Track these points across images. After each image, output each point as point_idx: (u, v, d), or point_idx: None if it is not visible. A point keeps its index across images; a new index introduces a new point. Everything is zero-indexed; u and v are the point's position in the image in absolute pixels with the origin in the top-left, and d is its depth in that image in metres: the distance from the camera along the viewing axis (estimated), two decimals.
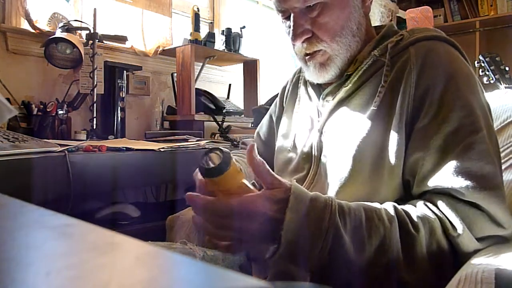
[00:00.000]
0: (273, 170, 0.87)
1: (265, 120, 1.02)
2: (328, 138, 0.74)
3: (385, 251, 0.54)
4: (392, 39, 0.71)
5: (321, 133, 0.76)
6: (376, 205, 0.59)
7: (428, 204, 0.60)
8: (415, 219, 0.57)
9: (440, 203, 0.59)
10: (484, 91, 0.69)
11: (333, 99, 0.75)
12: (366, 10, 0.75)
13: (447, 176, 0.59)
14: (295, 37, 0.71)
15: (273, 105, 1.01)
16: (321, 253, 0.53)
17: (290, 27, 0.72)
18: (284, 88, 0.97)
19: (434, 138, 0.61)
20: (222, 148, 0.54)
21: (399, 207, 0.59)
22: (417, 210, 0.59)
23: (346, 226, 0.54)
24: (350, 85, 0.72)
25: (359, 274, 0.54)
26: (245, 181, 0.56)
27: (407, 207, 0.60)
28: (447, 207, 0.58)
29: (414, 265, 0.55)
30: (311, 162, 0.76)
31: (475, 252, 0.57)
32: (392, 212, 0.58)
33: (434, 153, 0.61)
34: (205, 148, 1.37)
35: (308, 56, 0.74)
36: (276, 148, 0.90)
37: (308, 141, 0.79)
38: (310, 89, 0.83)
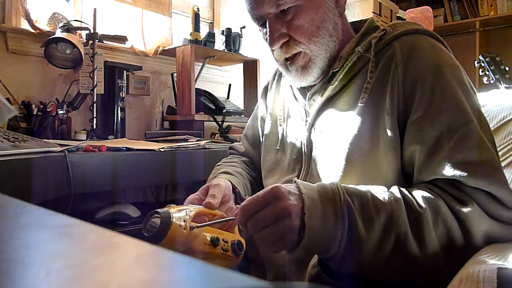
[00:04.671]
0: (261, 171, 0.88)
1: (250, 123, 1.02)
2: (318, 138, 0.74)
3: (393, 227, 0.55)
4: (375, 34, 0.71)
5: (310, 132, 0.76)
6: (381, 187, 0.60)
7: (430, 186, 0.61)
8: (419, 198, 0.58)
9: (442, 185, 0.60)
10: (469, 79, 0.69)
11: (320, 97, 0.74)
12: (341, 10, 0.75)
13: (446, 167, 0.60)
14: (272, 41, 0.71)
15: (256, 106, 1.01)
16: (342, 237, 0.54)
17: (267, 34, 0.72)
18: (266, 87, 0.96)
19: (428, 130, 0.62)
20: (160, 210, 0.55)
21: (403, 189, 0.60)
22: (420, 191, 0.60)
23: (355, 205, 0.55)
24: (336, 83, 0.72)
25: (371, 253, 0.55)
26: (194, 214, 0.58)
27: (411, 189, 0.61)
28: (451, 187, 0.59)
29: (424, 243, 0.55)
30: (302, 162, 0.76)
31: (488, 234, 0.57)
32: (397, 192, 0.59)
33: (430, 145, 0.62)
34: (202, 145, 1.37)
35: (289, 61, 0.74)
36: (262, 148, 0.89)
37: (297, 141, 0.79)
38: (295, 90, 0.82)
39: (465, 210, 0.57)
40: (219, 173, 0.85)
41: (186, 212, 0.58)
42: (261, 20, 0.73)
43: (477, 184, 0.58)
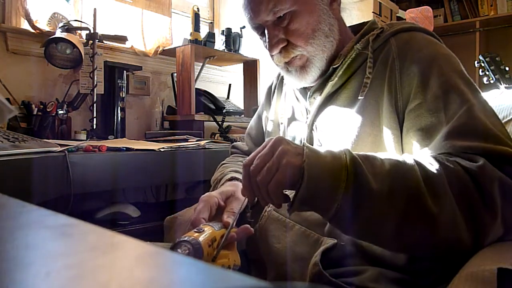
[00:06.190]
0: None
1: (253, 121, 1.04)
2: (320, 134, 0.76)
3: (403, 178, 0.53)
4: (373, 32, 0.73)
5: (311, 129, 0.77)
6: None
7: (435, 154, 0.59)
8: (428, 158, 0.57)
9: (447, 154, 0.58)
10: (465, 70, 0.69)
11: (320, 95, 0.76)
12: (335, 12, 0.78)
13: (445, 145, 0.58)
14: (271, 47, 0.74)
15: (260, 105, 1.03)
16: (346, 189, 0.52)
17: (266, 41, 0.75)
18: (270, 87, 0.99)
19: (426, 116, 0.62)
20: (189, 240, 0.54)
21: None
22: (428, 155, 0.58)
23: (361, 159, 0.54)
24: (336, 79, 0.74)
25: (382, 208, 0.52)
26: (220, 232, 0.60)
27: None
28: (456, 154, 0.57)
29: (438, 197, 0.52)
30: None
31: (503, 190, 0.53)
32: (404, 154, 0.58)
33: (428, 130, 0.62)
34: (202, 145, 1.36)
35: (288, 63, 0.76)
36: None
37: (297, 140, 0.80)
38: (296, 91, 0.84)
39: (475, 166, 0.54)
40: (229, 170, 0.86)
41: (212, 242, 0.58)
42: (260, 29, 0.76)
43: (481, 149, 0.56)
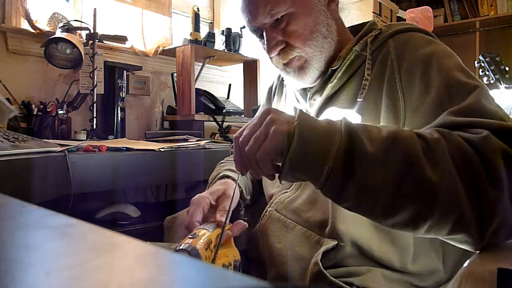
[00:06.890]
0: None
1: None
2: None
3: (401, 144, 0.50)
4: (371, 34, 0.73)
5: None
6: None
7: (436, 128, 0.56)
8: (427, 130, 0.54)
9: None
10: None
11: (320, 96, 0.76)
12: (333, 13, 0.78)
13: (444, 120, 0.56)
14: (270, 49, 0.74)
15: (261, 106, 1.04)
16: (338, 150, 0.49)
17: (264, 43, 0.75)
18: (271, 88, 0.99)
19: (430, 114, 0.60)
20: (186, 247, 0.54)
21: None
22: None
23: (356, 125, 0.52)
24: (335, 80, 0.74)
25: (379, 173, 0.48)
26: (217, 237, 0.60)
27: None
28: (457, 127, 0.54)
29: (437, 165, 0.48)
30: None
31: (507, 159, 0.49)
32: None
33: (429, 122, 0.59)
34: (202, 145, 1.36)
35: (286, 65, 0.76)
36: None
37: None
38: (297, 93, 0.84)
39: (477, 137, 0.50)
40: (224, 169, 0.86)
41: (209, 244, 0.58)
42: (259, 31, 0.77)
43: (485, 124, 0.52)
